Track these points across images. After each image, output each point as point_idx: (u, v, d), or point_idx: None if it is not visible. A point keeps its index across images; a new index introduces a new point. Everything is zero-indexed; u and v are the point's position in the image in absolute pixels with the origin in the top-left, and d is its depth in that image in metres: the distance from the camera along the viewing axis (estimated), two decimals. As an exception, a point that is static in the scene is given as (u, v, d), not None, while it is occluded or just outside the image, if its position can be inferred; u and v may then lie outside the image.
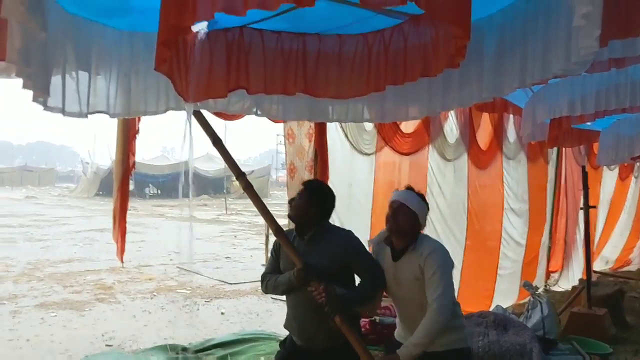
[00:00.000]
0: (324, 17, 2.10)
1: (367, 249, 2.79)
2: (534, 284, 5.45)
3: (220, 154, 2.83)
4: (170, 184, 36.17)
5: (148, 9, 1.78)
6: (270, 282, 2.76)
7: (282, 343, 2.91)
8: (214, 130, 2.78)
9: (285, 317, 2.81)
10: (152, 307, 7.01)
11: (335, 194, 5.30)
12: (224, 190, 29.76)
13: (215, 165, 34.17)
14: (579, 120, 4.62)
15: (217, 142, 2.79)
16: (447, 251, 2.61)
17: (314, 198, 2.69)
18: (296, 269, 2.58)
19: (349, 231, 2.78)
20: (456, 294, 6.26)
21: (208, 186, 36.79)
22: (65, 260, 10.49)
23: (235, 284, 8.37)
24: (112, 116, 2.29)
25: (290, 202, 2.78)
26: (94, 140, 37.21)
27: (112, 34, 2.12)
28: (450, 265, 2.57)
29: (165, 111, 2.43)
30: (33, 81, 1.53)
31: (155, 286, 8.26)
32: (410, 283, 2.55)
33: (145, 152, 38.62)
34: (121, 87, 2.24)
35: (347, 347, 2.51)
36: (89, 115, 2.13)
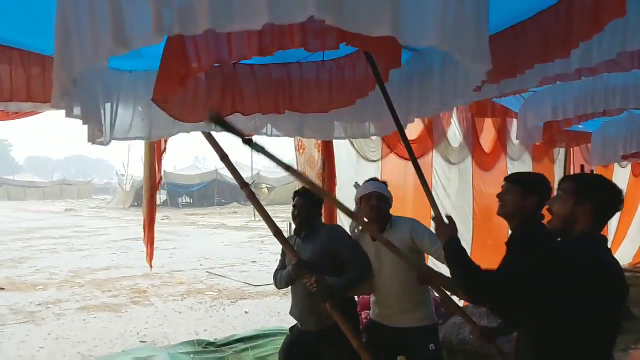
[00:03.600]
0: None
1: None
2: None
3: (227, 167, 3.32)
4: (202, 193, 37.16)
5: (158, 53, 2.23)
6: (278, 277, 3.28)
7: (291, 329, 3.38)
8: (221, 147, 3.25)
9: (290, 305, 3.30)
10: (183, 308, 7.58)
11: (342, 198, 5.69)
12: (253, 198, 30.34)
13: (244, 173, 34.58)
14: (565, 123, 4.94)
15: (224, 157, 3.26)
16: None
17: (308, 195, 3.20)
18: (292, 264, 3.04)
19: (335, 225, 3.23)
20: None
21: (238, 194, 37.61)
22: (103, 268, 11.22)
23: (259, 285, 8.88)
24: (134, 139, 2.82)
25: (293, 214, 3.24)
26: (128, 153, 38.43)
27: (130, 75, 2.64)
28: None
29: (176, 133, 2.95)
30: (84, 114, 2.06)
31: (186, 289, 8.85)
32: (392, 257, 2.85)
33: (178, 162, 39.72)
34: (139, 117, 2.76)
35: (338, 329, 2.94)
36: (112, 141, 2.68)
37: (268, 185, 37.46)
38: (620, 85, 3.94)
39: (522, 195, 2.46)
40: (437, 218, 2.41)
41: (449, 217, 2.33)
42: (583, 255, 1.76)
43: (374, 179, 3.20)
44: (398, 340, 3.00)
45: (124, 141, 2.96)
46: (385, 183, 3.17)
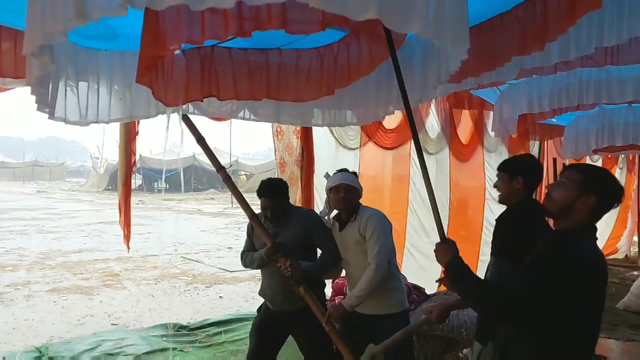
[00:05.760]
0: (281, 34, 2.54)
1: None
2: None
3: (203, 150, 3.29)
4: (178, 178, 36.71)
5: (134, 34, 2.19)
6: (248, 259, 3.29)
7: (259, 309, 3.40)
8: (197, 130, 3.22)
9: (260, 286, 3.30)
10: (156, 292, 7.53)
11: (320, 186, 5.67)
12: (231, 184, 30.09)
13: (222, 159, 34.28)
14: (540, 116, 5.03)
15: (200, 140, 3.24)
16: (384, 216, 3.08)
17: (273, 192, 3.12)
18: (266, 248, 3.06)
19: (309, 210, 3.24)
20: (439, 277, 6.67)
21: (215, 180, 37.30)
22: (75, 251, 11.05)
23: (234, 271, 8.87)
24: (109, 122, 2.76)
25: (265, 213, 3.17)
26: (103, 135, 37.68)
27: (105, 55, 2.59)
28: (387, 227, 3.03)
29: (155, 115, 2.90)
30: (42, 98, 2.00)
31: (159, 273, 8.78)
32: (353, 247, 3.03)
33: (154, 147, 38.99)
34: (115, 98, 2.71)
35: (308, 311, 2.99)
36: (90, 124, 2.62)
37: (247, 173, 37.24)
38: (593, 80, 4.03)
39: (509, 179, 2.57)
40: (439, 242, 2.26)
41: (449, 240, 2.21)
42: (586, 254, 1.79)
43: (344, 170, 3.21)
44: (366, 327, 3.05)
45: (101, 123, 2.89)
46: (355, 174, 3.19)
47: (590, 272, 1.77)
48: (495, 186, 2.70)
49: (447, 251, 2.08)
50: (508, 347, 1.98)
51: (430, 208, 6.31)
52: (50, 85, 2.31)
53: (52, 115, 2.43)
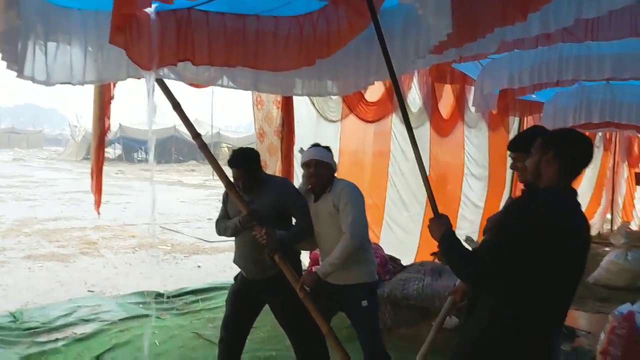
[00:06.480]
0: (260, 1, 2.48)
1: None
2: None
3: (179, 117, 3.24)
4: (159, 149, 36.22)
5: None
6: (222, 226, 3.28)
7: (235, 277, 3.41)
8: (174, 96, 3.15)
9: (234, 254, 3.31)
10: (134, 260, 7.51)
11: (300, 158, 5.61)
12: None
13: (203, 130, 34.09)
14: (521, 92, 5.05)
15: (176, 106, 3.17)
16: (357, 187, 3.10)
17: (244, 163, 3.08)
18: (242, 216, 3.05)
19: (284, 178, 3.22)
20: (416, 251, 6.72)
21: (196, 151, 36.84)
22: (52, 218, 10.90)
23: (213, 242, 8.86)
24: (83, 84, 2.69)
25: (237, 183, 3.12)
26: (82, 103, 36.87)
27: (78, 14, 2.50)
28: (360, 198, 3.05)
29: (125, 78, 2.82)
30: (10, 55, 1.93)
31: (138, 242, 8.74)
32: (326, 218, 3.04)
33: (134, 117, 38.28)
34: (87, 59, 2.62)
35: (282, 278, 3.01)
36: (57, 84, 2.54)
37: (229, 145, 36.86)
38: (573, 56, 4.04)
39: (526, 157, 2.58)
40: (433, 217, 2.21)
41: (443, 215, 2.18)
42: (553, 212, 1.79)
43: (316, 145, 3.18)
44: (336, 296, 3.09)
45: (69, 85, 2.79)
46: (328, 148, 3.17)
47: (559, 231, 1.76)
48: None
49: (440, 225, 2.08)
50: (491, 316, 1.95)
51: (409, 182, 6.29)
52: (20, 42, 2.24)
53: (20, 74, 2.36)
